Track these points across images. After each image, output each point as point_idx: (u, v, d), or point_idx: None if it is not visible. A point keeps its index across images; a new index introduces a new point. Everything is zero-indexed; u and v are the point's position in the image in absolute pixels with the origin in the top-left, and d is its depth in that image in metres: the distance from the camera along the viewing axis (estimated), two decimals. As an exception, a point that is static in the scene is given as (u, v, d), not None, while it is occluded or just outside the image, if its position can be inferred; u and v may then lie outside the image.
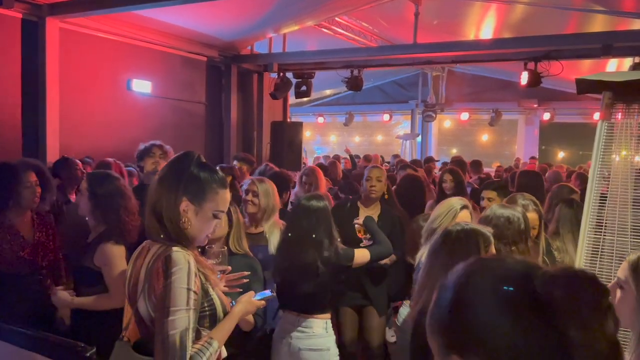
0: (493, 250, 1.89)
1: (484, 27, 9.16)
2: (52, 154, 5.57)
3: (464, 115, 14.49)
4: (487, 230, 1.94)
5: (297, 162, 8.55)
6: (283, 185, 4.23)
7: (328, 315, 3.04)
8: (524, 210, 2.75)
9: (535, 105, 13.85)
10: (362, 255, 3.06)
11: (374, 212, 3.77)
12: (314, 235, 2.91)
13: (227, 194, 1.83)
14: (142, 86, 6.86)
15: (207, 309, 1.73)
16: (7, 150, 5.22)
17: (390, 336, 3.73)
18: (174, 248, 1.68)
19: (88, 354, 1.67)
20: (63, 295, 2.72)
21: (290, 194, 4.61)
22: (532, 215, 2.83)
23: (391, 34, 9.92)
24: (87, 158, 5.58)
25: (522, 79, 7.65)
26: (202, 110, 8.11)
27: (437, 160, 10.98)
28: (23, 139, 5.59)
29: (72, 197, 4.27)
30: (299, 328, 2.92)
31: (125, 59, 6.70)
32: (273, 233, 3.34)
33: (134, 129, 6.72)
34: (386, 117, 15.02)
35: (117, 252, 2.73)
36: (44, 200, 3.27)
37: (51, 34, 5.60)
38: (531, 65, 7.51)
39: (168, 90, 7.35)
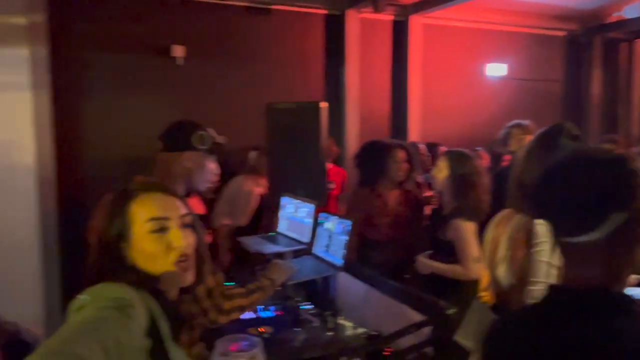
0: None
1: None
2: (414, 138, 6.22)
3: None
4: None
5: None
6: None
7: None
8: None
9: None
10: None
11: None
12: None
13: None
14: (497, 70, 6.91)
15: None
16: (379, 134, 6.10)
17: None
18: (538, 220, 1.71)
19: (450, 312, 1.87)
20: (425, 260, 3.07)
21: None
22: None
23: None
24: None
25: None
26: (557, 89, 7.62)
27: None
28: (391, 124, 6.42)
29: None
30: None
31: (480, 45, 6.87)
32: None
33: (485, 113, 6.85)
34: None
35: (468, 228, 2.85)
36: (410, 177, 3.67)
37: (414, 30, 6.21)
38: None
39: (522, 70, 7.18)
